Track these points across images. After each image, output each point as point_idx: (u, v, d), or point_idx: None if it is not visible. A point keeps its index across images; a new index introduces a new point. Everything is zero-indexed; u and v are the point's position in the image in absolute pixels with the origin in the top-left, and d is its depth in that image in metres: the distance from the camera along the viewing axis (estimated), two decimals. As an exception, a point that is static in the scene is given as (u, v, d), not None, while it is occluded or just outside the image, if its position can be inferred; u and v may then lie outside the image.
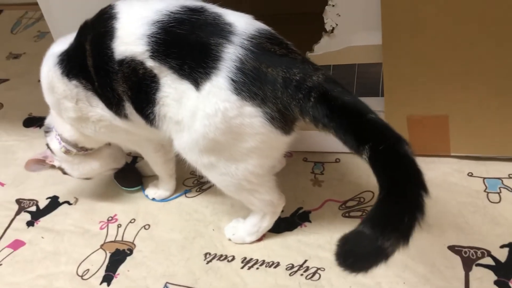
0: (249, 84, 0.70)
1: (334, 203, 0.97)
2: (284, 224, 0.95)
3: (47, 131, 1.00)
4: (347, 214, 0.95)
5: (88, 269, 0.96)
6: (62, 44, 0.88)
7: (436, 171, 0.99)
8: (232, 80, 0.71)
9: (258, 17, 0.83)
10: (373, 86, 0.94)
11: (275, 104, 0.71)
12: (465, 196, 0.94)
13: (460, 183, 0.96)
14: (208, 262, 0.92)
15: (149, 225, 1.02)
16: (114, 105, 0.83)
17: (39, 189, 1.15)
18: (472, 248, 0.85)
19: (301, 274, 0.87)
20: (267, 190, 0.86)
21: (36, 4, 1.07)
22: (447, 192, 0.95)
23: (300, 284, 0.85)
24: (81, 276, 0.94)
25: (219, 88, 0.71)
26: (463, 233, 0.88)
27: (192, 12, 0.75)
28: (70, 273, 0.95)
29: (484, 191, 0.94)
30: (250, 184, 0.82)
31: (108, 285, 0.92)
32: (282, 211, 0.97)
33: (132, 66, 0.76)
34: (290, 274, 0.87)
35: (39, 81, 0.91)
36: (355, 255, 0.63)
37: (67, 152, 0.98)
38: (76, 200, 1.11)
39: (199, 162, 0.80)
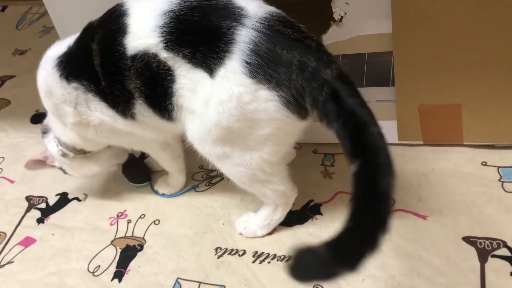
0: (264, 66, 0.69)
1: (346, 195, 0.96)
2: (295, 217, 0.94)
3: (44, 132, 1.00)
4: (358, 206, 0.94)
5: (99, 266, 0.95)
6: (59, 47, 0.87)
7: (449, 161, 0.97)
8: (247, 62, 0.69)
9: None
10: (384, 76, 0.92)
11: (289, 88, 0.69)
12: (479, 185, 0.92)
13: (474, 173, 0.95)
14: (219, 257, 0.92)
15: (159, 221, 1.01)
16: (122, 103, 0.81)
17: (48, 185, 1.15)
18: (487, 239, 0.84)
19: (313, 268, 0.86)
20: (281, 179, 0.84)
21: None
22: (461, 182, 0.93)
23: (312, 278, 0.85)
24: (92, 273, 0.94)
25: (233, 72, 0.70)
26: (477, 224, 0.86)
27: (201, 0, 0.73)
28: (81, 269, 0.95)
29: (499, 180, 0.92)
30: (264, 174, 0.81)
31: (120, 281, 0.92)
32: (294, 204, 0.96)
33: (145, 60, 0.75)
34: (302, 268, 0.86)
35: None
36: (306, 269, 0.64)
37: (64, 155, 0.97)
38: (86, 196, 1.10)
39: (212, 153, 0.79)
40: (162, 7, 0.74)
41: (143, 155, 1.16)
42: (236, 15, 0.71)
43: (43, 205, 1.11)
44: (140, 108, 0.81)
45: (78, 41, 0.84)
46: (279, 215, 0.90)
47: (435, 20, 0.83)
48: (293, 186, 0.88)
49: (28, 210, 1.11)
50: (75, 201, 1.10)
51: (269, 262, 0.89)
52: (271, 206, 0.90)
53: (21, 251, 1.02)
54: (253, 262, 0.89)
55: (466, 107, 0.91)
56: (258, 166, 0.79)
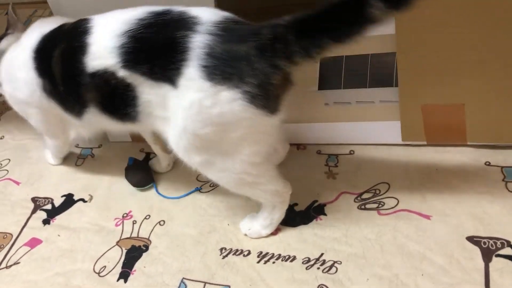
0: (221, 66, 0.70)
1: (349, 195, 0.97)
2: (300, 218, 0.95)
3: None
4: (362, 207, 0.94)
5: (105, 266, 0.96)
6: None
7: (453, 161, 0.98)
8: (203, 66, 0.70)
9: (266, 8, 0.83)
10: (387, 76, 0.93)
11: (254, 77, 0.70)
12: (483, 185, 0.92)
13: (478, 173, 0.95)
14: (224, 257, 0.92)
15: (164, 221, 1.02)
16: (77, 108, 0.88)
17: (54, 187, 1.16)
18: (491, 238, 0.84)
19: (318, 268, 0.86)
20: (269, 179, 0.85)
21: (45, 2, 1.07)
22: (464, 182, 0.94)
23: (317, 278, 0.85)
24: (98, 273, 0.95)
25: (191, 80, 0.71)
26: (481, 224, 0.86)
27: (158, 15, 0.77)
28: (87, 270, 0.96)
29: (503, 180, 0.93)
30: (250, 176, 0.81)
31: (125, 281, 0.92)
32: (297, 204, 0.97)
33: (104, 77, 0.79)
34: (306, 268, 0.87)
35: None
36: None
37: None
38: (91, 197, 1.11)
39: (194, 161, 0.81)
40: (121, 27, 0.77)
41: (147, 157, 1.17)
42: (189, 24, 0.73)
43: (48, 206, 1.12)
44: (94, 113, 0.86)
45: (47, 39, 0.90)
46: (278, 213, 0.91)
47: (438, 20, 0.83)
48: (285, 183, 0.88)
49: (34, 211, 1.12)
50: (80, 202, 1.11)
51: (273, 262, 0.89)
52: (268, 206, 0.91)
53: (27, 252, 1.02)
54: (258, 262, 0.90)
55: (469, 107, 0.91)
56: (242, 169, 0.80)
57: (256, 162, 0.79)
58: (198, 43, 0.71)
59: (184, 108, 0.73)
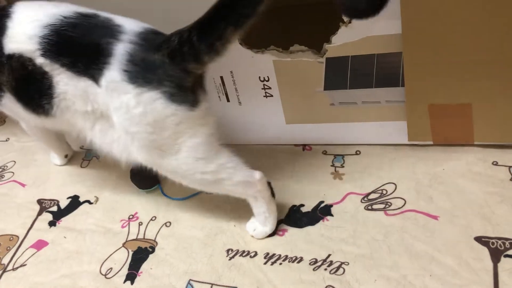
0: (142, 72, 0.76)
1: (356, 196, 0.96)
2: (306, 219, 0.94)
3: None
4: (369, 207, 0.94)
5: (111, 268, 0.96)
6: None
7: (460, 161, 0.97)
8: (125, 71, 0.76)
9: (272, 9, 0.82)
10: (393, 76, 0.92)
11: (171, 81, 0.76)
12: (491, 185, 0.92)
13: (485, 172, 0.94)
14: (230, 259, 0.92)
15: (170, 223, 1.02)
16: None
17: (60, 188, 1.16)
18: (500, 238, 0.83)
19: (325, 269, 0.86)
20: (231, 173, 0.86)
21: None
22: (472, 182, 0.93)
23: (324, 279, 0.85)
24: (105, 275, 0.95)
25: (115, 82, 0.77)
26: (490, 224, 0.86)
27: (85, 17, 0.81)
28: (94, 272, 0.96)
29: (510, 180, 0.92)
30: (207, 174, 0.84)
31: (132, 283, 0.92)
32: (303, 205, 0.97)
33: (20, 61, 0.82)
34: (314, 269, 0.86)
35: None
36: None
37: None
38: (97, 199, 1.11)
39: (146, 161, 0.86)
40: (45, 19, 0.81)
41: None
42: (114, 32, 0.78)
43: (54, 208, 1.12)
44: (8, 99, 0.89)
45: None
46: (265, 205, 0.91)
47: (444, 20, 0.82)
48: (252, 172, 0.88)
49: (40, 213, 1.12)
50: (86, 204, 1.11)
51: (280, 264, 0.89)
52: (251, 201, 0.92)
53: (33, 254, 1.02)
54: (265, 263, 0.90)
55: (476, 106, 0.91)
56: (193, 168, 0.83)
57: (203, 157, 0.83)
58: (120, 50, 0.77)
59: (115, 108, 0.79)
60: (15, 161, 1.27)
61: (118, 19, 0.81)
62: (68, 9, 0.83)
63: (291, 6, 1.01)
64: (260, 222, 0.93)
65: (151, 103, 0.77)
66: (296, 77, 0.97)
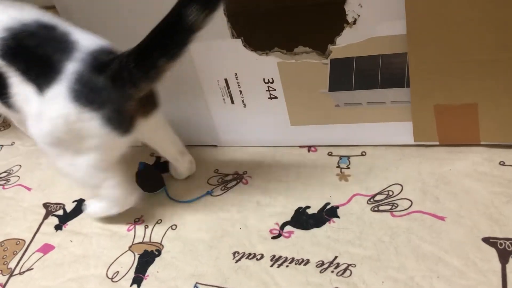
0: (86, 92, 0.79)
1: (362, 197, 0.96)
2: (312, 221, 0.94)
3: None
4: (376, 208, 0.93)
5: (117, 271, 0.96)
6: None
7: (466, 161, 0.97)
8: (72, 89, 0.79)
9: (275, 9, 0.83)
10: (398, 77, 0.92)
11: (111, 104, 0.80)
12: (497, 185, 0.91)
13: (491, 173, 0.94)
14: (237, 261, 0.92)
15: (176, 225, 1.02)
16: None
17: (65, 192, 1.16)
18: (508, 239, 0.83)
19: (332, 271, 0.86)
20: (111, 186, 0.95)
21: (50, 8, 1.07)
22: (478, 182, 0.93)
23: (331, 281, 0.84)
24: (111, 279, 0.95)
25: (60, 96, 0.80)
26: (497, 224, 0.85)
27: (43, 28, 0.83)
28: (100, 275, 0.96)
29: (517, 180, 0.92)
30: (93, 178, 0.93)
31: (139, 286, 0.92)
32: (309, 206, 0.97)
33: None
34: (320, 271, 0.86)
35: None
36: None
37: None
38: (102, 202, 1.11)
39: (49, 153, 0.90)
40: (6, 21, 0.83)
41: (155, 163, 1.17)
42: (69, 49, 0.81)
43: (60, 212, 1.12)
44: None
45: None
46: (101, 207, 1.02)
47: (450, 19, 0.82)
48: (129, 196, 1.00)
49: (45, 217, 1.12)
50: (92, 208, 1.11)
51: (287, 266, 0.89)
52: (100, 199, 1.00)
53: (40, 258, 1.03)
54: (271, 266, 0.89)
55: (482, 106, 0.90)
56: (87, 170, 0.90)
57: (100, 167, 0.90)
58: (70, 69, 0.79)
59: (52, 117, 0.82)
60: (20, 165, 1.28)
61: (76, 34, 0.83)
62: (30, 16, 0.84)
63: (294, 7, 1.01)
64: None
65: (89, 121, 0.81)
66: (301, 79, 0.97)
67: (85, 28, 1.01)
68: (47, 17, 0.86)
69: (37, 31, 0.83)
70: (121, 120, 0.83)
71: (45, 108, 0.83)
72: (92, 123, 0.82)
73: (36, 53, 0.82)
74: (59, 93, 0.80)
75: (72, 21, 1.01)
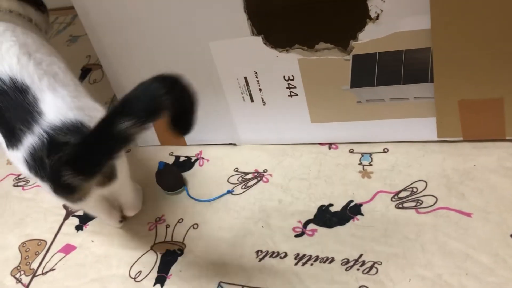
0: (36, 168, 0.79)
1: (386, 194, 0.95)
2: (336, 219, 0.93)
3: None
4: (400, 205, 0.92)
5: (140, 271, 0.96)
6: None
7: (491, 156, 0.95)
8: (26, 160, 0.80)
9: (296, 5, 0.82)
10: (422, 72, 0.91)
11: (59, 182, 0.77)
12: (524, 181, 0.90)
13: (517, 168, 0.93)
14: (260, 260, 0.91)
15: (197, 225, 1.01)
16: None
17: (85, 193, 1.16)
18: (537, 235, 0.82)
19: (358, 269, 0.85)
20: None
21: (66, 8, 1.07)
22: (504, 178, 0.91)
23: (357, 279, 0.84)
24: (134, 278, 0.95)
25: (19, 161, 0.81)
26: (525, 220, 0.84)
27: (14, 89, 0.81)
28: (123, 275, 0.96)
29: (544, 175, 0.90)
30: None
31: (162, 286, 0.92)
32: (332, 204, 0.96)
33: None
34: (346, 269, 0.85)
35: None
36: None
37: None
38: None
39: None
40: None
41: (175, 162, 1.16)
42: (32, 120, 0.79)
43: (80, 212, 1.12)
44: None
45: None
46: None
47: (474, 13, 0.81)
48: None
49: (66, 217, 1.12)
50: (112, 208, 1.11)
51: (312, 264, 0.88)
52: None
53: (62, 258, 1.03)
54: (296, 264, 0.89)
55: (508, 100, 0.89)
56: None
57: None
58: (27, 142, 0.79)
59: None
60: (39, 166, 1.28)
61: (45, 104, 0.81)
62: (5, 72, 0.82)
63: (314, 2, 1.00)
64: None
65: (41, 183, 0.81)
66: (322, 75, 0.96)
67: (102, 27, 1.01)
68: (25, 71, 0.83)
69: (8, 91, 0.81)
70: (69, 193, 0.79)
71: (13, 158, 0.83)
72: (43, 185, 0.81)
73: (4, 116, 0.82)
74: (19, 158, 0.81)
75: (89, 20, 1.02)
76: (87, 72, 1.51)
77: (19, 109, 0.81)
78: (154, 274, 0.95)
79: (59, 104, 0.81)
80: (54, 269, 1.01)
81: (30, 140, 0.79)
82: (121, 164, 0.89)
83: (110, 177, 0.85)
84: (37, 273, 1.01)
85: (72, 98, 0.84)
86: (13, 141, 0.81)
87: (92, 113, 0.83)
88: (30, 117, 0.80)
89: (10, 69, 0.83)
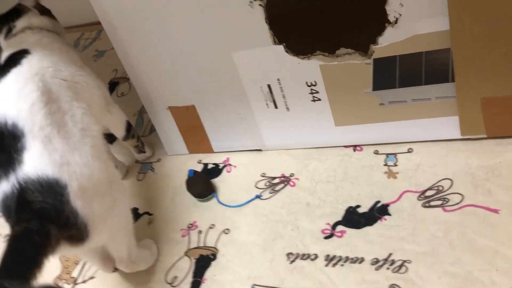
0: (6, 214, 0.80)
1: (412, 194, 0.96)
2: (364, 219, 0.95)
3: None
4: (427, 204, 0.94)
5: (176, 276, 1.00)
6: None
7: (516, 153, 0.96)
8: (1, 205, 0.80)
9: (309, 8, 0.84)
10: (443, 72, 0.92)
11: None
12: (550, 176, 0.91)
13: (543, 163, 0.93)
14: (291, 262, 0.94)
15: (228, 230, 1.04)
16: None
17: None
18: None
19: (387, 268, 0.87)
20: None
21: (91, 24, 1.11)
22: (531, 173, 0.92)
23: (387, 278, 0.85)
24: (171, 283, 0.98)
25: None
26: (553, 215, 0.85)
27: (10, 134, 0.82)
28: (160, 281, 1.00)
29: None
30: None
31: (197, 290, 0.96)
32: (359, 206, 0.98)
33: None
34: (376, 269, 0.87)
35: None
36: None
37: None
38: (155, 211, 1.15)
39: None
40: None
41: (204, 169, 1.20)
42: (9, 168, 0.79)
43: (116, 222, 1.16)
44: None
45: None
46: None
47: (493, 11, 0.82)
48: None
49: (102, 227, 1.16)
50: (145, 216, 1.15)
51: (342, 265, 0.90)
52: None
53: (100, 266, 1.07)
54: (326, 265, 0.91)
55: (531, 97, 0.90)
56: None
57: None
58: (3, 187, 0.79)
59: None
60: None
61: (30, 155, 0.80)
62: (14, 113, 0.83)
63: (332, 7, 1.01)
64: None
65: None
66: (344, 80, 0.99)
67: (129, 41, 1.05)
68: (31, 119, 0.83)
69: (4, 134, 0.82)
70: (38, 246, 0.77)
71: None
72: None
73: None
74: None
75: (116, 36, 1.06)
76: (115, 86, 1.56)
77: (5, 153, 0.81)
78: (189, 279, 0.98)
79: (44, 158, 0.80)
80: (94, 277, 1.06)
81: (4, 187, 0.79)
82: (105, 221, 0.85)
83: (79, 237, 0.81)
84: (77, 281, 1.06)
85: (63, 152, 0.82)
86: None
87: (78, 169, 0.81)
88: (11, 164, 0.79)
89: (18, 114, 0.83)
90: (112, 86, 1.56)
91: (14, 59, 0.93)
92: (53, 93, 0.90)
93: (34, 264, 0.74)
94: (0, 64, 0.96)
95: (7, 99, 0.86)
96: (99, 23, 1.06)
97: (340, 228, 0.96)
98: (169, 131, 1.22)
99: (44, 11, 1.13)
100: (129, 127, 1.18)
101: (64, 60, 0.99)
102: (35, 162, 0.79)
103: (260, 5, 0.91)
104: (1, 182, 0.80)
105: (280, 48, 0.97)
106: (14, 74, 0.90)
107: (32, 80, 0.89)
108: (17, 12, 1.10)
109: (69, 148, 0.83)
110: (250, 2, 0.91)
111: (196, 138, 1.21)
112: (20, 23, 1.08)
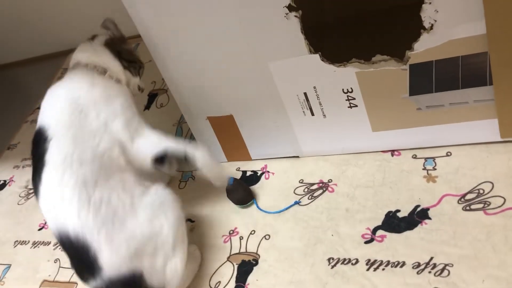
0: None
1: (452, 197, 0.96)
2: (404, 224, 0.96)
3: None
4: (467, 208, 0.94)
5: (219, 281, 1.03)
6: None
7: (558, 154, 0.95)
8: None
9: (342, 15, 0.85)
10: (480, 76, 0.92)
11: None
12: None
13: None
14: (332, 267, 0.95)
15: (269, 235, 1.07)
16: None
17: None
18: None
19: (429, 272, 0.87)
20: None
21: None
22: None
23: (430, 282, 0.86)
24: (215, 288, 1.02)
25: None
26: None
27: (79, 245, 0.89)
28: (204, 286, 1.03)
29: None
30: None
31: (241, 295, 0.98)
32: (399, 210, 0.99)
33: None
34: (417, 273, 0.88)
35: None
36: None
37: None
38: (197, 218, 1.18)
39: None
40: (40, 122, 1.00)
41: (242, 176, 1.23)
42: (95, 273, 0.89)
43: (159, 229, 1.20)
44: None
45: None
46: None
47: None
48: None
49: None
50: (188, 222, 1.18)
51: (383, 269, 0.91)
52: None
53: (146, 272, 1.11)
54: (367, 270, 0.92)
55: None
56: None
57: None
58: (93, 285, 0.90)
59: None
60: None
61: (103, 260, 0.88)
62: (69, 222, 0.89)
63: (367, 14, 1.03)
64: None
65: None
66: (380, 86, 1.00)
67: (169, 56, 1.09)
68: (86, 227, 0.89)
69: (74, 245, 0.89)
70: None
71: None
72: None
73: (72, 259, 0.93)
74: None
75: (157, 51, 1.11)
76: (154, 97, 1.61)
77: (85, 260, 0.89)
78: (232, 284, 1.01)
79: (114, 258, 0.88)
80: (140, 283, 1.10)
81: (94, 284, 0.90)
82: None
83: None
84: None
85: (127, 241, 0.90)
86: (83, 278, 0.92)
87: (150, 260, 0.92)
88: (93, 270, 0.89)
89: (72, 226, 0.89)
90: (152, 97, 1.61)
91: None
92: (88, 182, 0.93)
93: None
94: None
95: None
96: (136, 36, 1.11)
97: (380, 232, 0.97)
98: (208, 140, 1.26)
99: None
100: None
101: None
102: (109, 265, 0.88)
103: (295, 16, 0.94)
104: (91, 281, 0.90)
105: (316, 57, 1.00)
106: None
107: (72, 169, 0.96)
108: None
109: (129, 233, 0.91)
110: (286, 13, 0.94)
111: (234, 146, 1.25)
112: None
